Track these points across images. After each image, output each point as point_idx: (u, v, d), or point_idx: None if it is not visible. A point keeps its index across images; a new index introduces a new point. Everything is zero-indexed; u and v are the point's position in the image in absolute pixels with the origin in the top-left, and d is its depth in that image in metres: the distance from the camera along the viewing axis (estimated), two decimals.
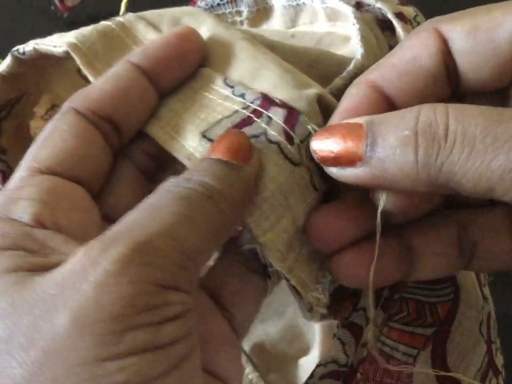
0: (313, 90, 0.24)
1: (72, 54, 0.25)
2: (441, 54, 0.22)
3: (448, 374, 0.26)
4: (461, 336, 0.28)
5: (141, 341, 0.16)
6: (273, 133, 0.22)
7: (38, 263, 0.18)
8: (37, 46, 0.27)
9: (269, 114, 0.22)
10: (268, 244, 0.21)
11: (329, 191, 0.24)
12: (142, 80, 0.23)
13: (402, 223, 0.24)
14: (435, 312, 0.28)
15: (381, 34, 0.34)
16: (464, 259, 0.24)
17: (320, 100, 0.24)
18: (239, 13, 0.43)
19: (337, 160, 0.21)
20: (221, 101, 0.23)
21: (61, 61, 0.33)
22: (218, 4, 0.44)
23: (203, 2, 0.45)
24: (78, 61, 0.25)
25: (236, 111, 0.23)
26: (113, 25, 0.26)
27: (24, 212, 0.20)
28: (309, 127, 0.22)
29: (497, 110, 0.19)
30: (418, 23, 0.35)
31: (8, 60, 0.29)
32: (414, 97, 0.22)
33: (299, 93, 0.23)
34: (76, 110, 0.23)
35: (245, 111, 0.23)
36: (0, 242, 0.19)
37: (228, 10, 0.43)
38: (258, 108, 0.23)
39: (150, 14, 0.28)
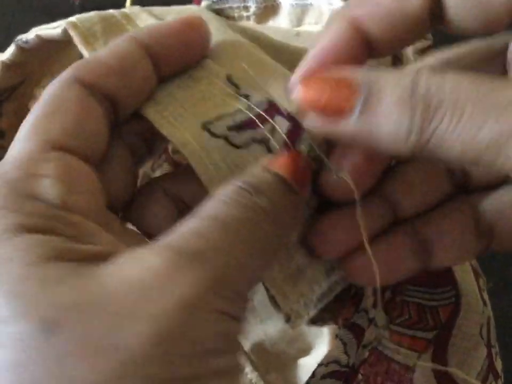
0: None
1: (70, 31, 0.25)
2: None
3: (449, 369, 0.26)
4: (462, 340, 0.28)
5: (216, 364, 0.17)
6: (274, 144, 0.22)
7: (84, 252, 0.17)
8: (39, 32, 0.27)
9: (275, 125, 0.22)
10: None
11: (319, 207, 0.24)
12: (146, 61, 0.22)
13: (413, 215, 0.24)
14: (436, 315, 0.28)
15: None
16: (482, 242, 0.24)
17: None
18: (246, 8, 0.43)
19: (324, 112, 0.20)
20: (223, 97, 0.23)
21: (65, 49, 0.33)
22: None
23: None
24: (74, 38, 0.25)
25: (239, 110, 0.23)
26: (116, 13, 0.26)
27: (49, 192, 0.18)
28: (311, 143, 0.22)
29: (489, 78, 0.18)
30: None
31: (11, 49, 0.29)
32: (393, 39, 0.21)
33: None
34: (82, 82, 0.21)
35: (248, 112, 0.22)
36: (29, 223, 0.17)
37: (236, 4, 0.43)
38: (263, 113, 0.22)
39: (155, 8, 0.28)
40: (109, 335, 0.15)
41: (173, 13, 0.27)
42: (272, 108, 0.23)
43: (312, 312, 0.23)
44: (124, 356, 0.15)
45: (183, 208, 0.24)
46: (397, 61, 0.34)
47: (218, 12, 0.44)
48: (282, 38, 0.35)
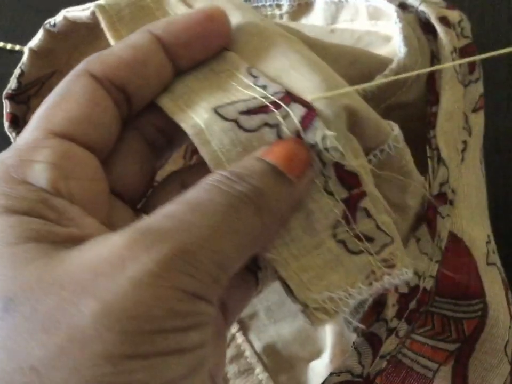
0: (344, 100, 0.22)
1: (98, 15, 0.24)
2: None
3: None
4: (485, 355, 0.27)
5: (169, 343, 0.16)
6: (285, 130, 0.21)
7: (61, 234, 0.18)
8: (66, 14, 0.26)
9: (288, 109, 0.21)
10: None
11: (349, 198, 0.22)
12: (160, 53, 0.22)
13: None
14: (460, 328, 0.27)
15: (423, 36, 0.33)
16: None
17: (350, 111, 0.22)
18: (279, 6, 0.43)
19: None
20: (241, 89, 0.22)
21: (94, 42, 0.32)
22: None
23: None
24: (102, 22, 0.25)
25: (254, 98, 0.22)
26: None
27: (40, 176, 0.19)
28: (325, 131, 0.21)
29: None
30: (463, 29, 0.34)
31: (39, 34, 0.28)
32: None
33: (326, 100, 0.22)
34: (91, 73, 0.22)
35: (263, 99, 0.22)
36: (16, 205, 0.18)
37: (268, 3, 0.42)
38: (278, 101, 0.22)
39: None
40: (56, 312, 0.16)
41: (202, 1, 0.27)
42: (289, 96, 0.22)
43: (345, 314, 0.22)
44: (71, 332, 0.15)
45: None
46: (435, 60, 0.33)
47: None
48: (316, 35, 0.34)
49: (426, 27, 0.35)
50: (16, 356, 0.16)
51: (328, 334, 0.35)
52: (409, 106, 0.32)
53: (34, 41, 0.29)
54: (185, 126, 0.22)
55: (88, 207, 0.19)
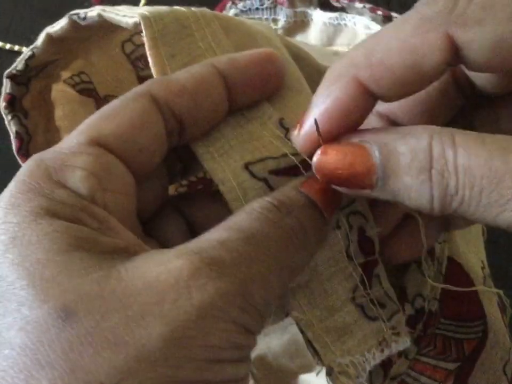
0: None
1: (143, 28, 0.24)
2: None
3: None
4: (484, 374, 0.28)
5: (226, 374, 0.17)
6: None
7: (106, 245, 0.18)
8: (103, 13, 0.25)
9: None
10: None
11: (366, 264, 0.24)
12: (220, 88, 0.23)
13: None
14: (460, 348, 0.28)
15: None
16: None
17: None
18: (275, 21, 0.43)
19: (346, 185, 0.20)
20: (271, 140, 0.23)
21: (105, 37, 0.31)
22: (257, 8, 0.44)
23: (241, 4, 0.45)
24: (145, 38, 0.24)
25: (285, 155, 0.23)
26: (188, 14, 0.25)
27: (80, 183, 0.19)
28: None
29: (504, 142, 0.18)
30: None
31: (62, 22, 0.27)
32: (403, 94, 0.20)
33: None
34: (154, 96, 0.21)
35: (293, 157, 0.22)
36: (58, 210, 0.18)
37: (265, 16, 0.43)
38: (307, 159, 0.22)
39: (228, 18, 0.27)
40: (122, 330, 0.16)
41: (238, 31, 0.26)
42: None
43: (362, 379, 0.23)
44: (138, 352, 0.16)
45: (194, 228, 0.25)
46: None
47: None
48: (319, 55, 0.35)
49: None
50: (81, 369, 0.15)
51: None
52: None
53: (55, 28, 0.27)
54: (217, 179, 0.22)
55: (120, 220, 0.20)
